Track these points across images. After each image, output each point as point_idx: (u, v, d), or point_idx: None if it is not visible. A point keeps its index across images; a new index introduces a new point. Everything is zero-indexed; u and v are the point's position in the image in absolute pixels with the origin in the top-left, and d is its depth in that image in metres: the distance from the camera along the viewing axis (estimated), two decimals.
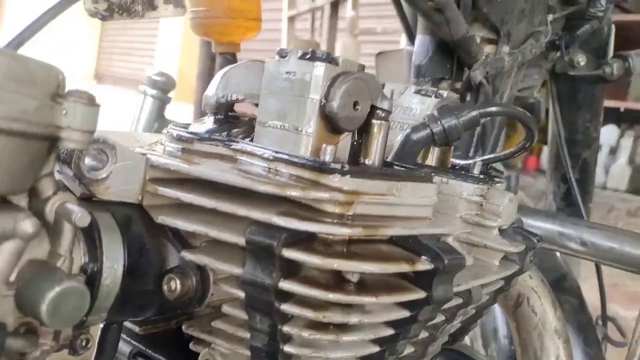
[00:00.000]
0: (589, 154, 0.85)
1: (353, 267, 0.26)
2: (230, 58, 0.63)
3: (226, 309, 0.29)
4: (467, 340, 0.92)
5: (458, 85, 0.57)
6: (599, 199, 2.31)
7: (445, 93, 0.43)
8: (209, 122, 0.35)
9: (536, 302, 0.56)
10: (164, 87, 0.81)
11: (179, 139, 0.33)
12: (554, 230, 0.60)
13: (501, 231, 0.38)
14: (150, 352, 0.37)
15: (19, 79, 0.21)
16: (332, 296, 0.26)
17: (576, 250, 0.59)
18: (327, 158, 0.29)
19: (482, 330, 0.87)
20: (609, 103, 2.64)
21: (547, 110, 0.88)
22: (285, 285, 0.26)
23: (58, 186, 0.25)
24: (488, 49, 0.63)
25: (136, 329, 0.37)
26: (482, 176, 0.39)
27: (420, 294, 0.28)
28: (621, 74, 0.75)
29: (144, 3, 0.29)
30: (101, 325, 0.30)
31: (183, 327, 0.32)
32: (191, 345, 0.33)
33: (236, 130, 0.35)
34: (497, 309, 0.86)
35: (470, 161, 0.43)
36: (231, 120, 0.36)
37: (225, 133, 0.35)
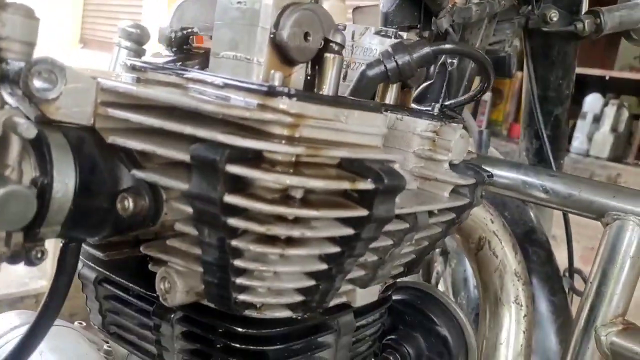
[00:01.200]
0: (560, 111, 0.87)
1: (295, 182, 0.28)
2: None
3: (179, 226, 0.30)
4: (440, 288, 0.95)
5: (426, 34, 0.58)
6: (582, 166, 2.35)
7: (405, 35, 0.44)
8: (165, 55, 0.36)
9: (497, 246, 0.58)
10: (138, 39, 0.80)
11: (133, 68, 0.34)
12: (518, 179, 0.62)
13: (453, 166, 0.39)
14: (114, 277, 0.39)
15: None
16: (275, 208, 0.27)
17: (539, 197, 0.61)
18: (276, 83, 0.30)
19: (453, 279, 0.91)
20: (594, 72, 2.65)
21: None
22: (230, 198, 0.27)
23: (4, 102, 0.26)
24: (459, 0, 0.63)
25: (100, 255, 0.38)
26: (435, 114, 0.40)
27: (362, 212, 0.29)
28: (592, 31, 0.76)
29: None
30: (60, 245, 0.32)
31: (141, 248, 0.34)
32: (150, 266, 0.34)
33: (191, 61, 0.36)
34: (467, 261, 0.89)
35: (430, 106, 0.44)
36: (187, 53, 0.36)
37: (180, 64, 0.35)
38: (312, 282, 0.33)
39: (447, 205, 0.37)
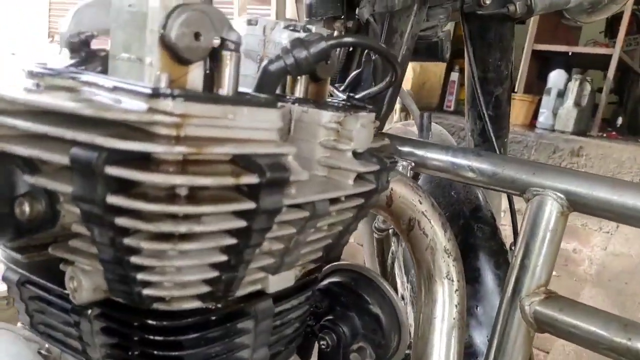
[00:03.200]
0: (501, 92, 0.89)
1: (178, 181, 0.29)
2: None
3: (75, 227, 0.31)
4: (395, 267, 0.98)
5: (350, 24, 0.59)
6: (546, 141, 2.40)
7: (314, 28, 0.45)
8: (66, 59, 0.37)
9: (426, 225, 0.60)
10: None
11: (32, 74, 0.35)
12: (447, 160, 0.64)
13: (357, 154, 0.41)
14: (35, 278, 0.40)
15: None
16: (158, 207, 0.28)
17: (468, 177, 0.63)
18: (162, 85, 0.31)
19: (404, 259, 0.94)
20: (559, 48, 2.70)
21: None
22: (113, 199, 0.28)
23: None
24: None
25: (20, 257, 0.39)
26: (340, 105, 0.42)
27: (249, 204, 0.31)
28: (524, 12, 0.78)
29: None
30: None
31: (49, 249, 0.35)
32: (61, 266, 0.35)
33: (93, 65, 0.37)
34: None
35: (344, 96, 0.46)
36: (88, 56, 0.37)
37: (82, 67, 0.36)
38: (215, 274, 0.34)
39: (349, 192, 0.39)
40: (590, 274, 2.16)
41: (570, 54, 2.70)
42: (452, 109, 3.00)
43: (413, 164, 0.66)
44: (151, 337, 0.36)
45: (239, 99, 0.33)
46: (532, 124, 2.77)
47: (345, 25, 0.59)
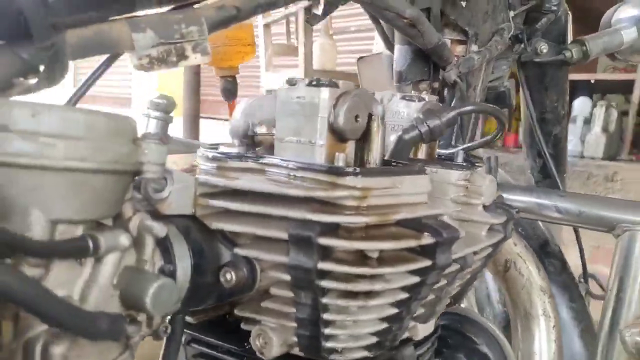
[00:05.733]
0: (559, 130, 0.94)
1: (374, 246, 0.34)
2: (230, 80, 0.70)
3: (274, 290, 0.36)
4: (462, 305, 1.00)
5: (436, 84, 0.65)
6: (578, 168, 2.42)
7: (426, 97, 0.51)
8: (234, 145, 0.43)
9: (522, 265, 0.64)
10: (166, 109, 0.87)
11: (214, 158, 0.40)
12: (532, 202, 0.68)
13: (485, 207, 0.46)
14: (203, 337, 0.44)
15: (113, 132, 0.28)
16: (359, 270, 0.33)
17: (553, 217, 0.67)
18: (341, 163, 0.37)
19: (477, 298, 0.96)
20: (580, 76, 2.76)
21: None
22: (323, 265, 0.33)
23: (135, 208, 0.32)
24: (459, 48, 0.71)
25: (190, 319, 0.44)
26: (464, 163, 0.46)
27: (426, 262, 0.35)
28: (580, 57, 0.84)
29: (177, 55, 0.36)
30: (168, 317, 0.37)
31: (235, 310, 0.39)
32: (243, 325, 0.40)
33: (259, 148, 0.43)
34: (488, 278, 0.95)
35: (453, 150, 0.51)
36: (251, 141, 0.43)
37: (251, 151, 0.42)
38: (385, 325, 0.38)
39: (487, 244, 0.43)
40: None
41: (592, 81, 2.76)
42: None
43: None
44: None
45: (400, 170, 0.38)
46: None
47: (432, 86, 0.65)
